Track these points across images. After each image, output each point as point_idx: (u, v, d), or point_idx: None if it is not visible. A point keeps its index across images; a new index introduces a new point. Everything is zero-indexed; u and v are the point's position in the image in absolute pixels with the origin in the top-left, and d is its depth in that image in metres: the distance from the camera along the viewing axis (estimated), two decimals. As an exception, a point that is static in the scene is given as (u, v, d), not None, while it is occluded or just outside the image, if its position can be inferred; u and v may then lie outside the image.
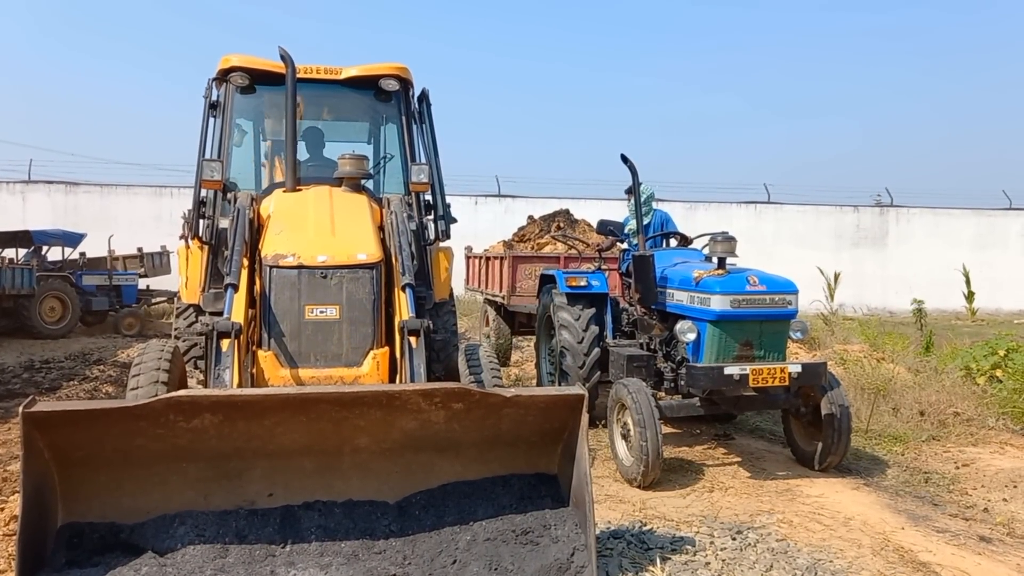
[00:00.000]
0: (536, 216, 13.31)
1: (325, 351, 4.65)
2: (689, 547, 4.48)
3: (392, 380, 4.71)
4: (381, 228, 5.45)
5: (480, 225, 20.33)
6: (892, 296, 24.79)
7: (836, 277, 18.09)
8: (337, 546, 3.80)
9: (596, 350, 7.11)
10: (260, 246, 4.98)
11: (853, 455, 6.71)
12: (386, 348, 4.76)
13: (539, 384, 8.52)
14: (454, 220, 6.47)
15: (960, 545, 4.74)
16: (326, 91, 6.54)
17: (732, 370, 5.71)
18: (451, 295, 6.62)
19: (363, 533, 3.87)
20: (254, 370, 4.61)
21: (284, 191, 5.60)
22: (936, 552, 4.60)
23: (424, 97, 6.58)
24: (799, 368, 5.80)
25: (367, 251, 4.86)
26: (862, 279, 25.11)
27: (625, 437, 5.97)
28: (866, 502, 5.52)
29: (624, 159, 7.07)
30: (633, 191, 7.15)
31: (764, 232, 25.82)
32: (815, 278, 17.72)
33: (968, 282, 22.14)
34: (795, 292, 6.01)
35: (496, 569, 3.78)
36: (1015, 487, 5.91)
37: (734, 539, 4.65)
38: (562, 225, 12.24)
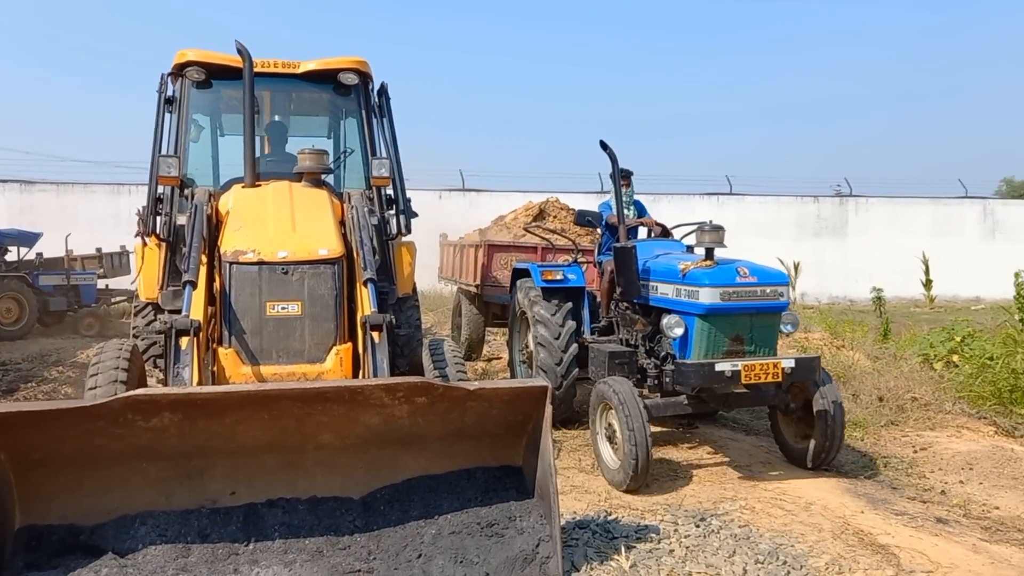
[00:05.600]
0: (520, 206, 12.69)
1: (287, 348, 4.63)
2: (654, 535, 4.52)
3: (355, 376, 4.70)
4: (342, 223, 5.42)
5: (444, 219, 20.18)
6: (853, 285, 25.10)
7: (796, 267, 18.32)
8: (301, 543, 3.79)
9: (574, 346, 6.87)
10: (219, 243, 4.94)
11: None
12: (349, 344, 4.75)
13: None
14: (415, 214, 6.44)
15: (918, 527, 4.83)
16: (285, 86, 6.48)
17: (723, 366, 5.43)
18: (414, 290, 6.59)
19: (327, 529, 3.87)
20: (215, 368, 4.57)
21: (243, 187, 5.55)
22: (894, 534, 4.69)
23: (383, 91, 6.54)
24: (792, 363, 5.57)
25: (328, 246, 4.83)
26: (823, 268, 25.41)
27: (610, 439, 5.69)
28: (826, 487, 5.61)
29: (603, 145, 6.69)
30: (613, 179, 6.84)
31: (727, 223, 25.33)
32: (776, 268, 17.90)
33: (926, 270, 22.54)
34: (787, 283, 5.80)
35: (461, 562, 3.80)
36: (971, 469, 6.04)
37: (698, 526, 4.70)
38: (538, 217, 11.70)
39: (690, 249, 6.65)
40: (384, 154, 6.34)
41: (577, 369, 6.87)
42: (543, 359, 6.84)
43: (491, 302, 10.27)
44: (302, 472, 3.97)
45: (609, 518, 4.82)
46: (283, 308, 4.63)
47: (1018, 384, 7.31)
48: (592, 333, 7.10)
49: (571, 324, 6.90)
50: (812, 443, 5.88)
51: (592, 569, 4.03)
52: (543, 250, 9.74)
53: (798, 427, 6.15)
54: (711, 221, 6.01)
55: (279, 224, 5.00)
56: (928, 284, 22.51)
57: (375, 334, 4.48)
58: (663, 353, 6.07)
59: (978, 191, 27.55)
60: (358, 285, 4.88)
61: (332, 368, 4.64)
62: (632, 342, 6.58)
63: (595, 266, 7.66)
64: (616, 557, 4.17)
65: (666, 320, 5.76)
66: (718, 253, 5.91)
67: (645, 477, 5.36)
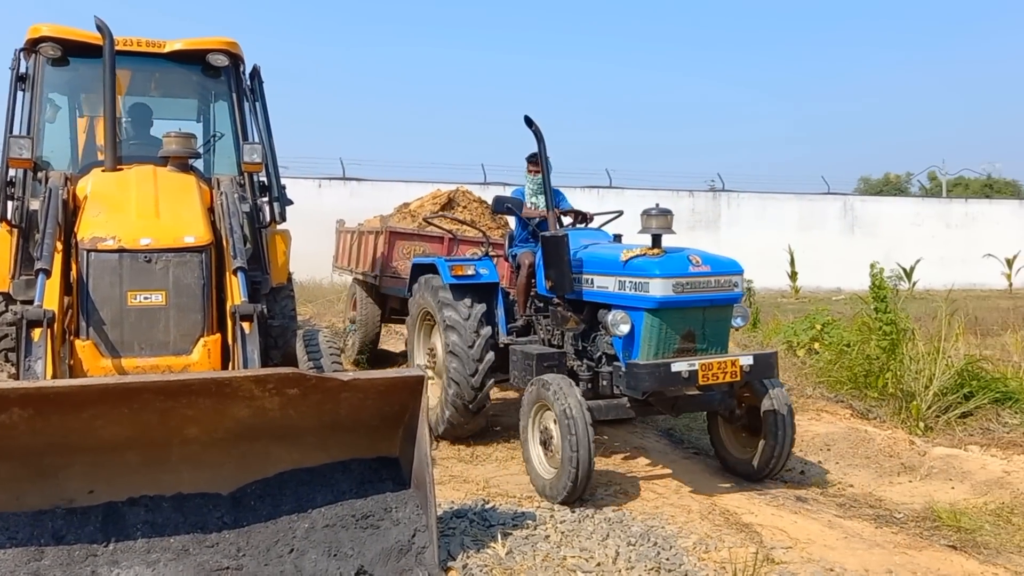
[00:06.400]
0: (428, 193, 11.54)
1: (150, 339, 4.45)
2: (530, 522, 4.57)
3: (225, 368, 4.56)
4: (211, 210, 5.24)
5: (325, 209, 19.78)
6: (725, 276, 26.07)
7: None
8: (165, 542, 3.66)
9: (490, 355, 6.08)
10: (76, 229, 4.69)
11: (684, 426, 7.04)
12: (218, 335, 4.60)
13: None
14: (290, 202, 6.29)
15: (779, 506, 5.07)
16: (149, 65, 6.20)
17: (680, 366, 4.83)
18: (289, 280, 6.44)
19: (194, 527, 3.74)
20: (72, 362, 4.36)
21: (103, 170, 5.28)
22: (757, 513, 4.91)
23: (256, 74, 6.34)
24: (751, 360, 5.03)
25: (195, 233, 4.67)
26: (698, 260, 26.25)
27: (544, 444, 5.15)
28: (695, 470, 5.81)
29: (528, 122, 5.86)
30: (540, 160, 6.02)
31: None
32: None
33: (792, 262, 23.64)
34: (741, 272, 5.24)
35: (335, 555, 3.75)
36: (828, 450, 6.39)
37: (573, 511, 4.78)
38: (446, 206, 10.53)
39: (617, 238, 6.26)
40: (256, 139, 6.15)
41: (492, 380, 6.15)
42: (455, 370, 6.04)
43: (389, 295, 9.34)
44: (167, 468, 3.82)
45: (487, 506, 4.84)
46: (146, 298, 4.45)
47: (872, 369, 7.74)
48: (508, 334, 6.43)
49: (487, 330, 6.12)
50: (759, 452, 5.39)
51: (468, 557, 4.03)
52: (450, 241, 8.89)
53: (740, 435, 5.66)
54: (657, 204, 5.37)
55: (142, 210, 4.79)
56: (794, 276, 23.63)
57: (245, 325, 4.36)
58: (598, 354, 5.54)
59: (839, 188, 29.14)
60: (227, 274, 4.73)
61: (199, 360, 4.49)
62: (555, 342, 6.04)
63: (507, 260, 6.98)
64: (493, 545, 4.20)
65: (611, 317, 5.10)
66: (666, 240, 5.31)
67: (585, 488, 4.86)
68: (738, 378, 5.01)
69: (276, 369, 3.76)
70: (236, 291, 4.57)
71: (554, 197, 6.51)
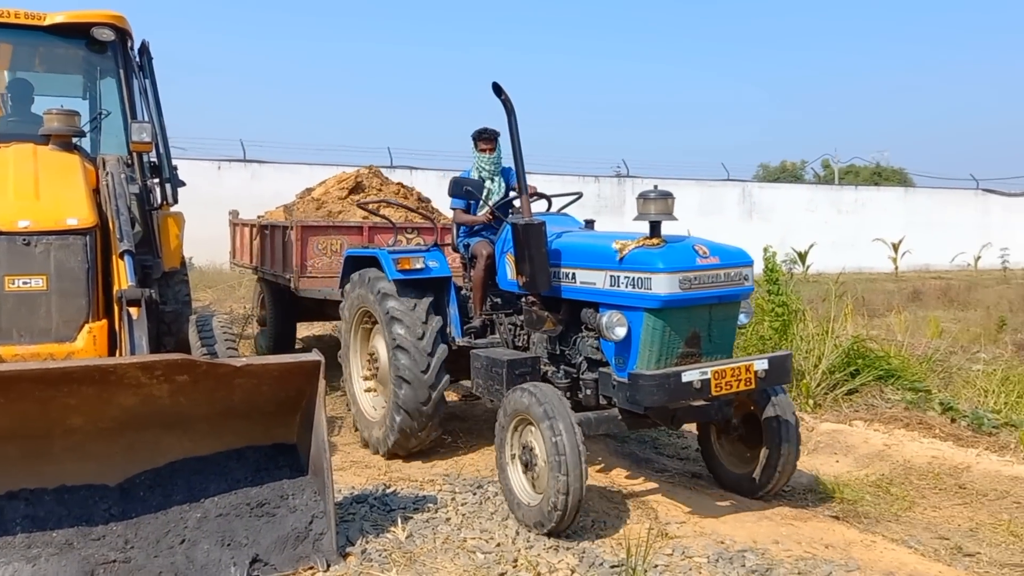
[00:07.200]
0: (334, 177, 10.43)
1: (30, 326, 4.27)
2: (431, 505, 4.58)
3: (112, 355, 4.40)
4: (97, 191, 5.03)
5: (225, 192, 19.26)
6: (629, 261, 26.50)
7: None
8: (47, 536, 3.53)
9: (442, 347, 5.43)
10: None
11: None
12: (104, 321, 4.45)
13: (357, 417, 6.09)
14: (182, 183, 6.10)
15: (675, 483, 5.22)
16: (30, 39, 5.89)
17: (691, 376, 4.17)
18: (183, 263, 6.23)
19: (78, 520, 3.62)
20: (-56, 351, 4.12)
21: None
22: (653, 490, 5.05)
23: (145, 50, 6.11)
24: (766, 364, 4.40)
25: (78, 215, 4.49)
26: (603, 245, 26.63)
27: (526, 465, 4.40)
28: (595, 449, 5.90)
29: (497, 90, 4.91)
30: (511, 134, 5.10)
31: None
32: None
33: (693, 246, 24.24)
34: (751, 263, 4.61)
35: (229, 545, 3.68)
36: (723, 428, 6.58)
37: (474, 494, 4.81)
38: (354, 190, 9.51)
39: (589, 224, 5.82)
40: (145, 117, 5.92)
41: (447, 376, 5.47)
42: (404, 366, 5.32)
43: (306, 297, 8.10)
44: (49, 460, 3.68)
45: (387, 491, 4.82)
46: (25, 283, 4.26)
47: (765, 349, 7.99)
48: (464, 335, 5.72)
49: (437, 320, 5.49)
50: (762, 465, 4.80)
51: (368, 542, 4.01)
52: (370, 229, 7.96)
53: (736, 447, 5.07)
54: (656, 187, 4.76)
55: (21, 190, 4.58)
56: (695, 259, 24.20)
57: (132, 310, 4.20)
58: (579, 359, 4.88)
59: (738, 175, 30.00)
60: (114, 258, 4.55)
61: (84, 347, 4.33)
62: (520, 343, 5.44)
63: (455, 251, 6.19)
64: (393, 529, 4.19)
65: (605, 319, 4.37)
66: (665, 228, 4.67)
67: (576, 515, 4.16)
68: (753, 385, 4.38)
69: (164, 355, 3.65)
70: (123, 275, 4.40)
71: (511, 179, 5.89)
